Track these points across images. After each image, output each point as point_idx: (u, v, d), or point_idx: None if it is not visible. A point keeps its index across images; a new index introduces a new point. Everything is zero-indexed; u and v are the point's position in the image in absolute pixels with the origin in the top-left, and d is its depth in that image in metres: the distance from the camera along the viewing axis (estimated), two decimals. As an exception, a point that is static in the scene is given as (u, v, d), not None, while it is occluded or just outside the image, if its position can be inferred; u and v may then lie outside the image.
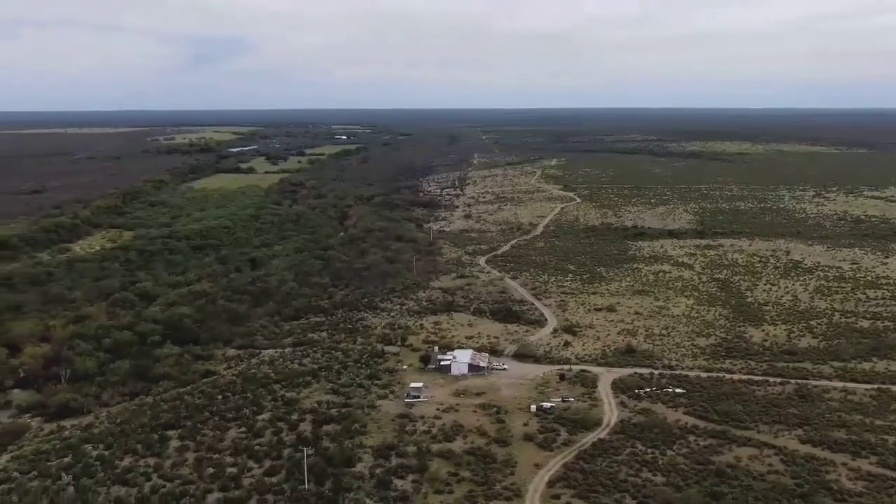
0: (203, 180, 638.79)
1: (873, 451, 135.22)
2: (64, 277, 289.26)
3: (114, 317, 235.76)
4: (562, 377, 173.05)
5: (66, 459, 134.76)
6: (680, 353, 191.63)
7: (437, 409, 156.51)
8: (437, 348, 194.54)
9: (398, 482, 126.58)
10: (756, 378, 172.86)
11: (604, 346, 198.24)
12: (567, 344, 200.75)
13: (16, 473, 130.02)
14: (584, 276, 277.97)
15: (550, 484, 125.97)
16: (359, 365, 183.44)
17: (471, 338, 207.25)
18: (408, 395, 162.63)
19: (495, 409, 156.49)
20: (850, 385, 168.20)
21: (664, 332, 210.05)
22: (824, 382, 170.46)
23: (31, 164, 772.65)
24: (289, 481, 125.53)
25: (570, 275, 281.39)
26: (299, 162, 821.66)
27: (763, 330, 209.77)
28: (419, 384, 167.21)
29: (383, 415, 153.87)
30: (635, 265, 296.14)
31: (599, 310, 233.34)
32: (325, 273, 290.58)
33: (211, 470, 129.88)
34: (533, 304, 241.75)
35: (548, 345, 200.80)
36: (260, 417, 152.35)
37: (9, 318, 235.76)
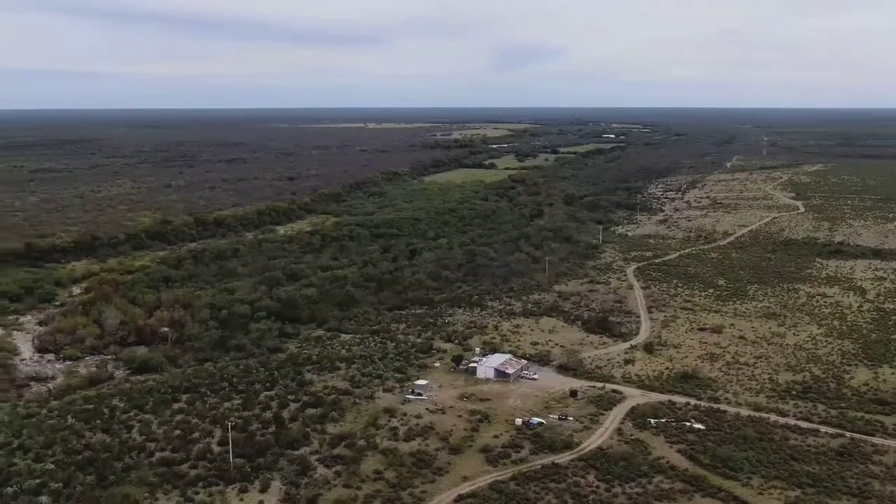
0: (439, 174, 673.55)
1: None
2: (245, 255, 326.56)
3: (253, 292, 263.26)
4: (572, 394, 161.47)
5: (90, 406, 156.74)
6: (744, 387, 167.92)
7: (427, 409, 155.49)
8: (477, 350, 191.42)
9: (324, 471, 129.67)
10: (804, 425, 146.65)
11: (666, 369, 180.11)
12: (629, 362, 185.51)
13: (44, 411, 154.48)
14: (725, 293, 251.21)
15: (459, 498, 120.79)
16: (397, 358, 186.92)
17: (536, 344, 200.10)
18: (410, 392, 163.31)
19: (480, 416, 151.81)
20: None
21: (751, 361, 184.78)
22: (891, 442, 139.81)
23: (314, 154, 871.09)
24: (229, 453, 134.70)
25: (712, 290, 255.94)
26: (546, 160, 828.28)
27: (875, 372, 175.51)
28: (424, 382, 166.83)
29: (371, 407, 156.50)
30: (797, 285, 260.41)
31: (703, 329, 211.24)
32: (462, 268, 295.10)
33: (178, 432, 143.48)
34: (638, 317, 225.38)
35: (608, 360, 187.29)
36: (265, 394, 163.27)
37: (177, 285, 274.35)
